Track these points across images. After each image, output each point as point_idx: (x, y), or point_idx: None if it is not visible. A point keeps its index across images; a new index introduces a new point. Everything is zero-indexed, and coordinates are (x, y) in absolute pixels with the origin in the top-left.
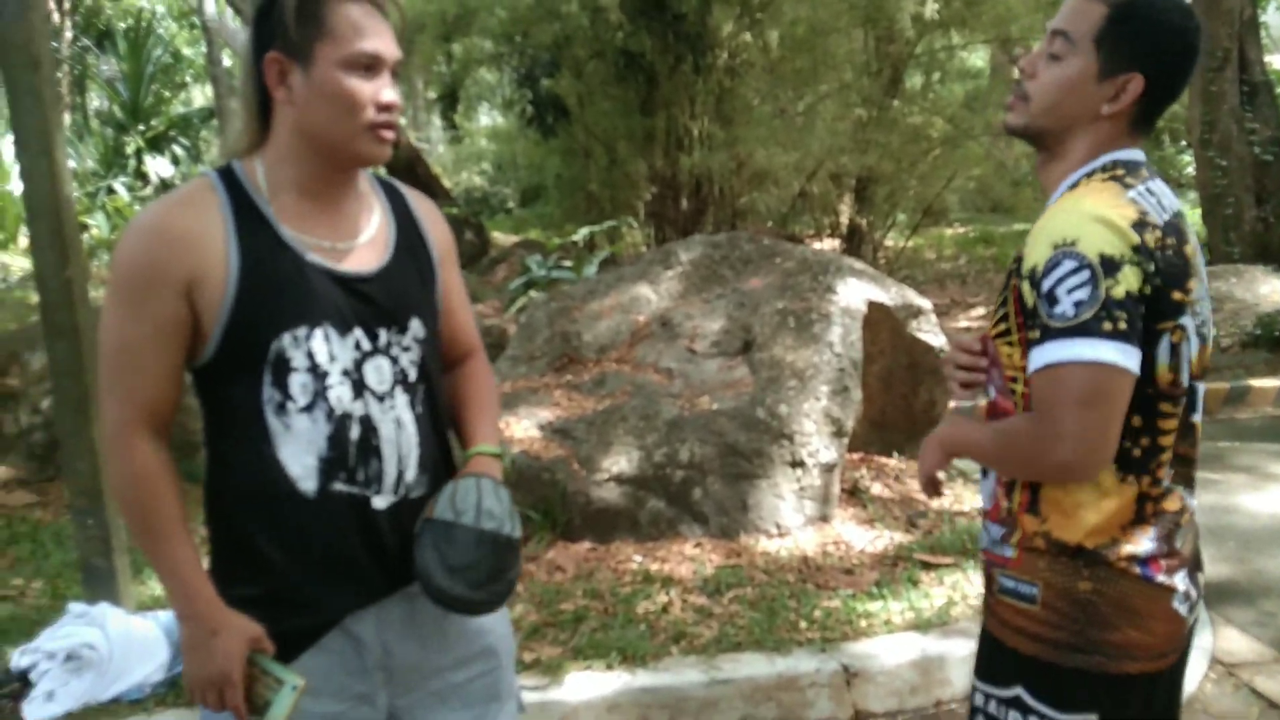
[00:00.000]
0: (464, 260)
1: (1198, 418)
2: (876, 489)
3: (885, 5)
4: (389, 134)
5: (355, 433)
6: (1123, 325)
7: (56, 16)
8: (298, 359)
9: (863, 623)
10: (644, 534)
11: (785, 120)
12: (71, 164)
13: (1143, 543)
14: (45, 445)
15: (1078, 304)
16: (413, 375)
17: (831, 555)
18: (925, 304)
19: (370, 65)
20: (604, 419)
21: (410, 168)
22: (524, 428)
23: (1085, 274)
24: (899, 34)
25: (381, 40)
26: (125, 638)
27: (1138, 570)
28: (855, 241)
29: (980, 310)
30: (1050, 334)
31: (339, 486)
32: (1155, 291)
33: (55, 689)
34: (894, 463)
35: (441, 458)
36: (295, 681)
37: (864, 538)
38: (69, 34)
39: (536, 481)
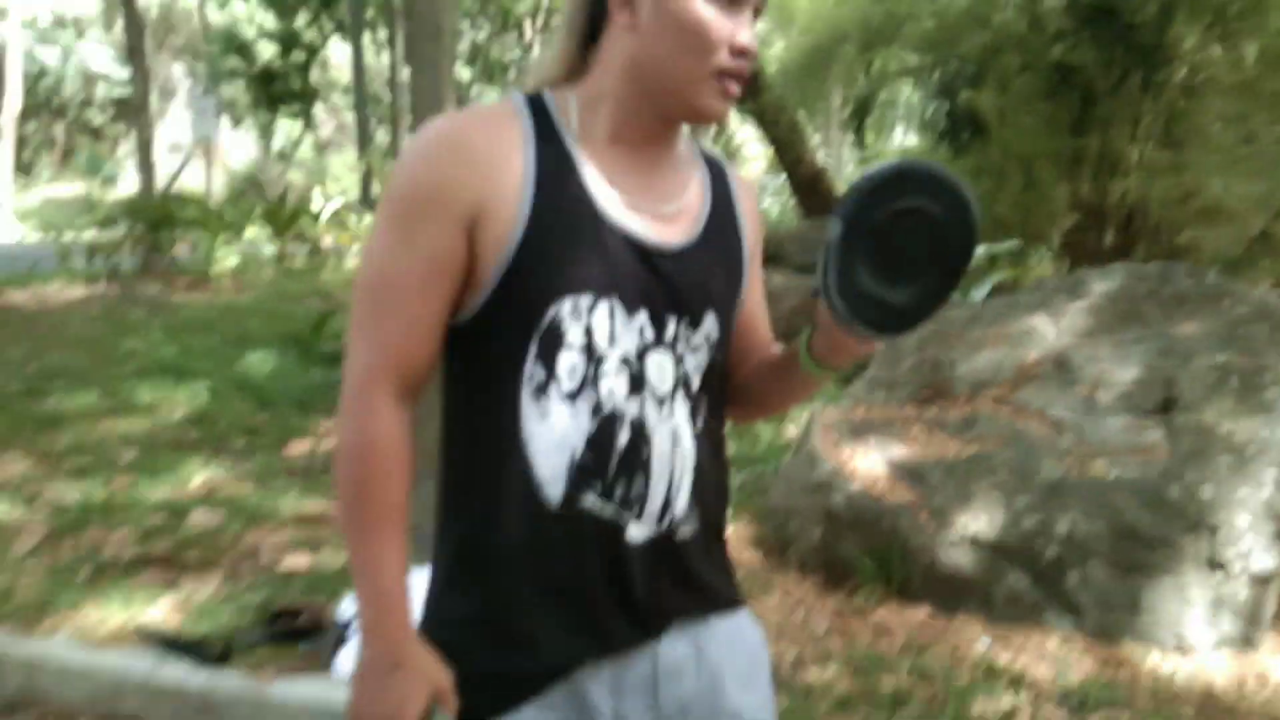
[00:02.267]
0: None
1: None
2: None
3: None
4: (735, 87)
5: (623, 438)
6: None
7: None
8: (574, 333)
9: None
10: (997, 614)
11: (1254, 147)
12: None
13: None
14: None
15: None
16: (695, 383)
17: (1251, 693)
18: None
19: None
20: (967, 467)
21: (813, 184)
22: (870, 462)
23: None
24: None
25: None
26: None
27: None
28: None
29: None
30: None
31: (589, 502)
32: None
33: None
34: None
35: (717, 499)
36: None
37: None
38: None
39: (875, 527)
